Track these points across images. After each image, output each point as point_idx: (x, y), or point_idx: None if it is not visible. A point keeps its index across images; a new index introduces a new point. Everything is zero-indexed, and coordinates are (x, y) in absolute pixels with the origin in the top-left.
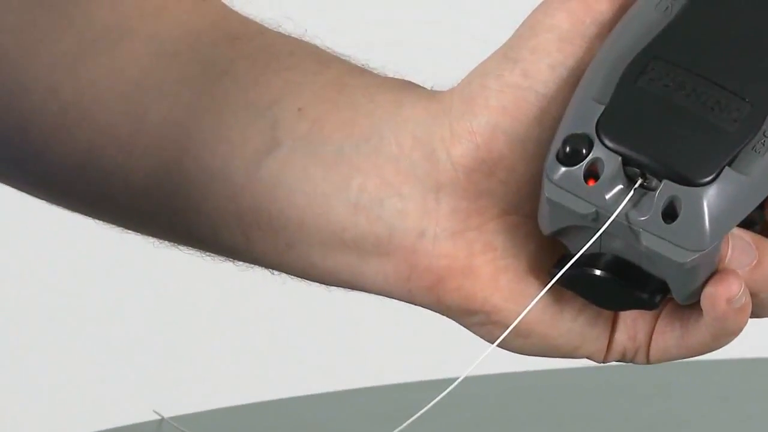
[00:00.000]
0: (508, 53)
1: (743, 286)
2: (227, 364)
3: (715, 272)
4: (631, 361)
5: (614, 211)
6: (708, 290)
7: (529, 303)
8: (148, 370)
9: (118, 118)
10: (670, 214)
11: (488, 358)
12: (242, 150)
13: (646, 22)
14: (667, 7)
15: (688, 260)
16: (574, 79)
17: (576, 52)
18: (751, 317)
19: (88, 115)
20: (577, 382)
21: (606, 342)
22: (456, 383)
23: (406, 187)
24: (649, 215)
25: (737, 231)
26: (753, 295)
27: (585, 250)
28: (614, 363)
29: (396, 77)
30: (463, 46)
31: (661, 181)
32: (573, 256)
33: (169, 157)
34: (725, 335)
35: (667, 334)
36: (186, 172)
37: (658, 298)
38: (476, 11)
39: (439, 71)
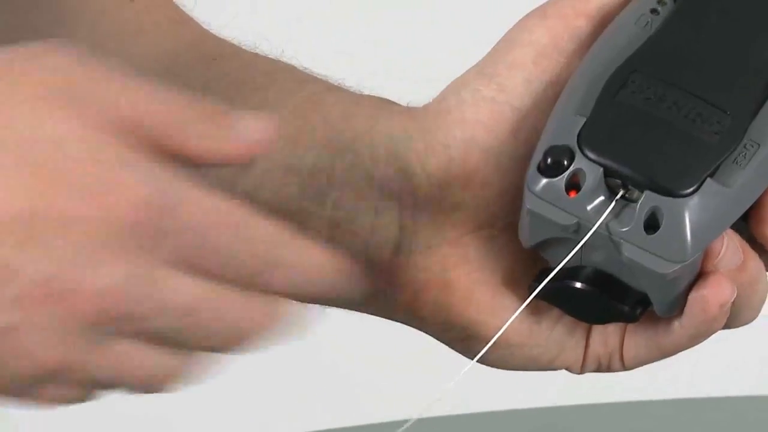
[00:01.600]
0: (484, 68)
1: (735, 290)
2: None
3: (699, 275)
4: (608, 368)
5: (595, 222)
6: (699, 293)
7: (509, 317)
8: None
9: None
10: (651, 225)
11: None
12: (219, 169)
13: (627, 37)
14: (647, 23)
15: (670, 271)
16: (550, 94)
17: (553, 67)
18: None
19: None
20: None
21: (583, 351)
22: (435, 399)
23: (381, 202)
24: (630, 226)
25: (729, 232)
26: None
27: (567, 261)
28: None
29: (372, 95)
30: (440, 64)
31: (642, 193)
32: (553, 270)
33: None
34: (704, 336)
35: (639, 336)
36: None
37: (638, 311)
38: (455, 28)
39: (416, 89)
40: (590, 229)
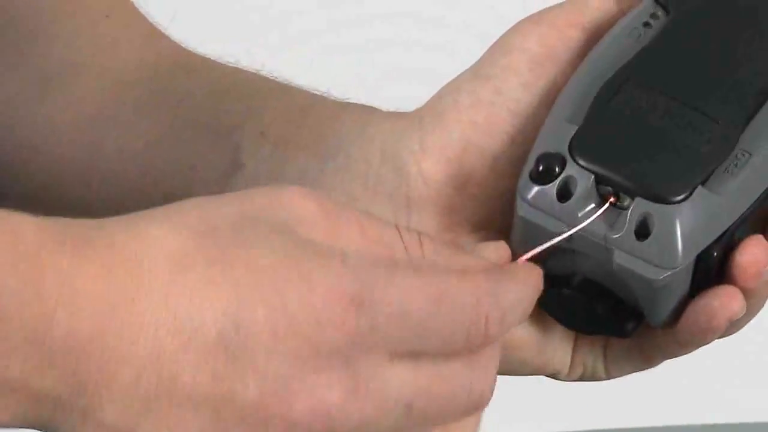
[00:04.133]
0: (479, 71)
1: (745, 306)
2: None
3: (720, 283)
4: (592, 376)
5: (586, 230)
6: (707, 302)
7: None
8: None
9: (75, 151)
10: (642, 231)
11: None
12: (204, 174)
13: (619, 48)
14: (640, 34)
15: (660, 277)
16: (545, 100)
17: (547, 74)
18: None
19: (44, 149)
20: None
21: (570, 356)
22: None
23: (375, 204)
24: (621, 233)
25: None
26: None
27: (539, 251)
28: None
29: (357, 102)
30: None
31: (633, 199)
32: (547, 277)
33: (129, 186)
34: (696, 347)
35: (624, 341)
36: (147, 199)
37: (631, 326)
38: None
39: (399, 103)
40: (582, 236)
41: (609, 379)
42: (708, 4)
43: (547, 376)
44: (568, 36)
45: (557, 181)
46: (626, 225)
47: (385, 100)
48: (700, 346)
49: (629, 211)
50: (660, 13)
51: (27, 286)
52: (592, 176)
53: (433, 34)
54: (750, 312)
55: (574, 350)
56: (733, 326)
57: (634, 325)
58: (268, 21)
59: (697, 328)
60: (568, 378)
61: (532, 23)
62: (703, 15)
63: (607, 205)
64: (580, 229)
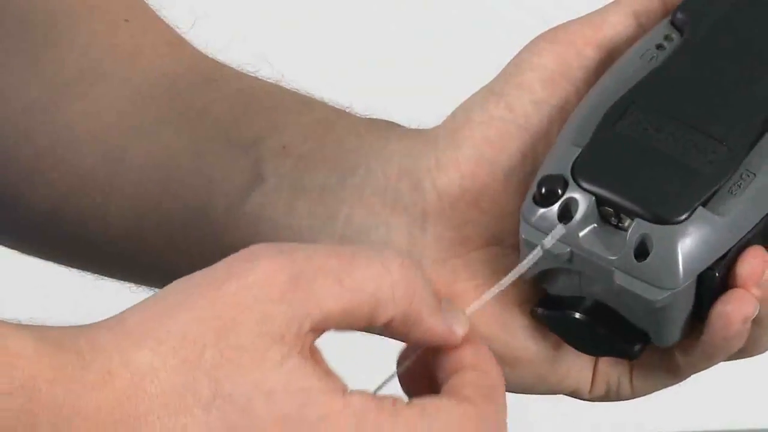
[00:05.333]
0: (493, 88)
1: (758, 306)
2: None
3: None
4: (617, 395)
5: (587, 251)
6: (721, 308)
7: (518, 334)
8: None
9: (95, 161)
10: (641, 252)
11: None
12: (224, 187)
13: (631, 71)
14: (652, 57)
15: (660, 298)
16: (558, 117)
17: (560, 92)
18: (737, 356)
19: (63, 158)
20: None
21: (591, 373)
22: None
23: (392, 217)
24: (621, 254)
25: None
26: (758, 323)
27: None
28: None
29: (381, 118)
30: (445, 90)
31: (633, 220)
32: (554, 297)
33: (149, 197)
34: (721, 356)
35: (650, 357)
36: (166, 212)
37: (637, 348)
38: (460, 53)
39: (422, 113)
40: (583, 259)
41: (635, 397)
42: (721, 26)
43: (567, 394)
44: (584, 54)
45: (558, 203)
46: (626, 246)
47: (407, 113)
48: (727, 356)
49: (629, 231)
50: (674, 35)
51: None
52: (593, 197)
53: (456, 49)
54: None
55: (596, 366)
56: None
57: (641, 347)
58: (289, 27)
59: (718, 336)
60: (591, 396)
61: (547, 41)
62: (714, 38)
63: (609, 225)
64: (580, 251)
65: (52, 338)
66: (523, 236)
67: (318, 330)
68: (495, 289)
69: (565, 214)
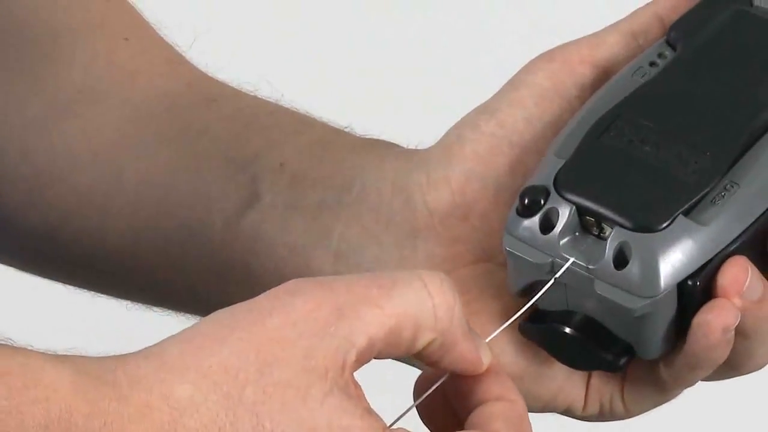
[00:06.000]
0: (488, 106)
1: (739, 316)
2: None
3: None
4: (611, 413)
5: (568, 259)
6: (702, 318)
7: (506, 350)
8: None
9: (94, 180)
10: (620, 260)
11: None
12: (221, 204)
13: (623, 87)
14: (644, 74)
15: (639, 306)
16: (550, 134)
17: (554, 109)
18: (731, 372)
19: (62, 177)
20: None
21: (583, 390)
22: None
23: (385, 235)
24: (601, 262)
25: (749, 264)
26: (745, 335)
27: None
28: None
29: (379, 138)
30: (445, 110)
31: (613, 229)
32: (543, 311)
33: (146, 215)
34: (705, 369)
35: (639, 372)
36: (163, 230)
37: (622, 361)
38: (462, 73)
39: (421, 135)
40: (563, 267)
41: (629, 416)
42: (711, 43)
43: (561, 412)
44: (578, 72)
45: (540, 213)
46: (605, 254)
47: (406, 133)
48: (711, 367)
49: (608, 240)
50: (668, 52)
51: None
52: (573, 207)
53: (461, 66)
54: (756, 334)
55: (588, 383)
56: (753, 355)
57: (626, 360)
58: (289, 47)
59: (699, 346)
60: (585, 414)
61: (544, 60)
62: (703, 54)
63: (589, 235)
64: (562, 260)
65: (89, 370)
66: (506, 248)
67: (361, 360)
68: (510, 321)
69: (547, 224)
